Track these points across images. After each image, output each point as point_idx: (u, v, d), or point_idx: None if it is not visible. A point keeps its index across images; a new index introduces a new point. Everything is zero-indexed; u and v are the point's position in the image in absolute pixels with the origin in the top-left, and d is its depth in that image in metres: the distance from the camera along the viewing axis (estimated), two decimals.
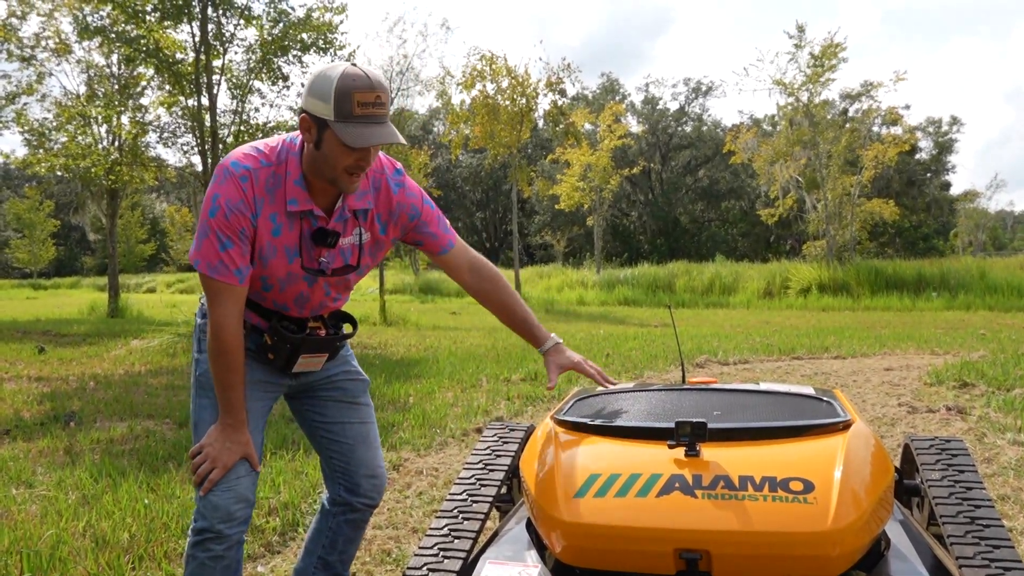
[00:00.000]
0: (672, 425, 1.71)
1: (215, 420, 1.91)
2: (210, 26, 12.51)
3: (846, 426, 1.84)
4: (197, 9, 12.32)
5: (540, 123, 33.20)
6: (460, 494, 2.18)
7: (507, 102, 19.51)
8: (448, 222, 2.08)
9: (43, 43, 16.07)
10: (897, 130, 27.07)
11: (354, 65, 1.69)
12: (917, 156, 39.81)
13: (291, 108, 13.69)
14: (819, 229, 24.32)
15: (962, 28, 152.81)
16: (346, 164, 1.73)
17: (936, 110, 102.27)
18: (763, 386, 2.28)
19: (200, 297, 2.01)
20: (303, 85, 14.10)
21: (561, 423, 2.00)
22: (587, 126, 28.28)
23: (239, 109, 13.41)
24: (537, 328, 2.11)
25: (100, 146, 16.15)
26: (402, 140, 1.70)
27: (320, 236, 1.85)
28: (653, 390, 2.27)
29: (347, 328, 2.11)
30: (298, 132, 1.84)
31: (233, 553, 1.92)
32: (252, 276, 1.84)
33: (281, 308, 1.95)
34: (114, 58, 16.19)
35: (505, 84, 19.49)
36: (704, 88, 44.99)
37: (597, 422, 1.92)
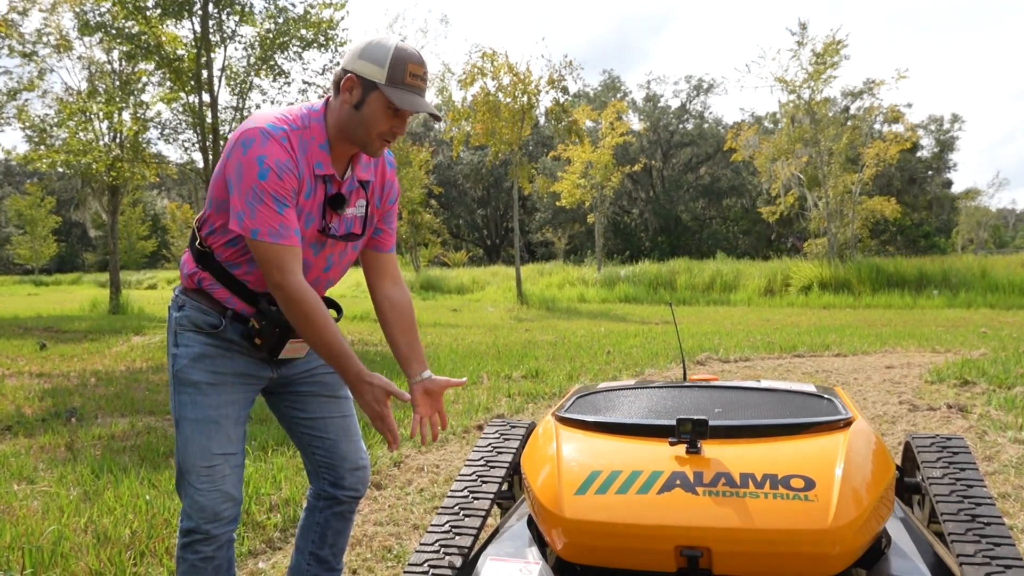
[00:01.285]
0: (673, 422, 1.71)
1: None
2: (210, 22, 12.51)
3: (847, 424, 1.84)
4: (198, 6, 12.32)
5: (541, 120, 33.13)
6: (461, 491, 2.18)
7: (508, 99, 19.46)
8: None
9: (44, 39, 16.06)
10: (899, 128, 27.03)
11: (403, 41, 1.79)
12: (919, 154, 39.73)
13: (292, 104, 13.68)
14: (820, 227, 24.29)
15: (967, 25, 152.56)
16: (382, 130, 1.78)
17: (939, 108, 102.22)
18: (764, 384, 2.28)
19: (174, 288, 1.97)
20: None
21: (562, 420, 2.00)
22: (588, 123, 28.23)
23: (240, 105, 13.41)
24: (419, 363, 2.02)
25: (101, 142, 16.14)
26: (436, 112, 1.78)
27: (337, 200, 1.87)
28: (654, 387, 2.27)
29: (332, 314, 2.10)
30: (317, 102, 1.86)
31: (223, 553, 1.90)
32: None
33: None
34: (115, 54, 16.18)
35: (506, 81, 19.44)
36: (706, 85, 44.90)
37: (598, 419, 1.92)
